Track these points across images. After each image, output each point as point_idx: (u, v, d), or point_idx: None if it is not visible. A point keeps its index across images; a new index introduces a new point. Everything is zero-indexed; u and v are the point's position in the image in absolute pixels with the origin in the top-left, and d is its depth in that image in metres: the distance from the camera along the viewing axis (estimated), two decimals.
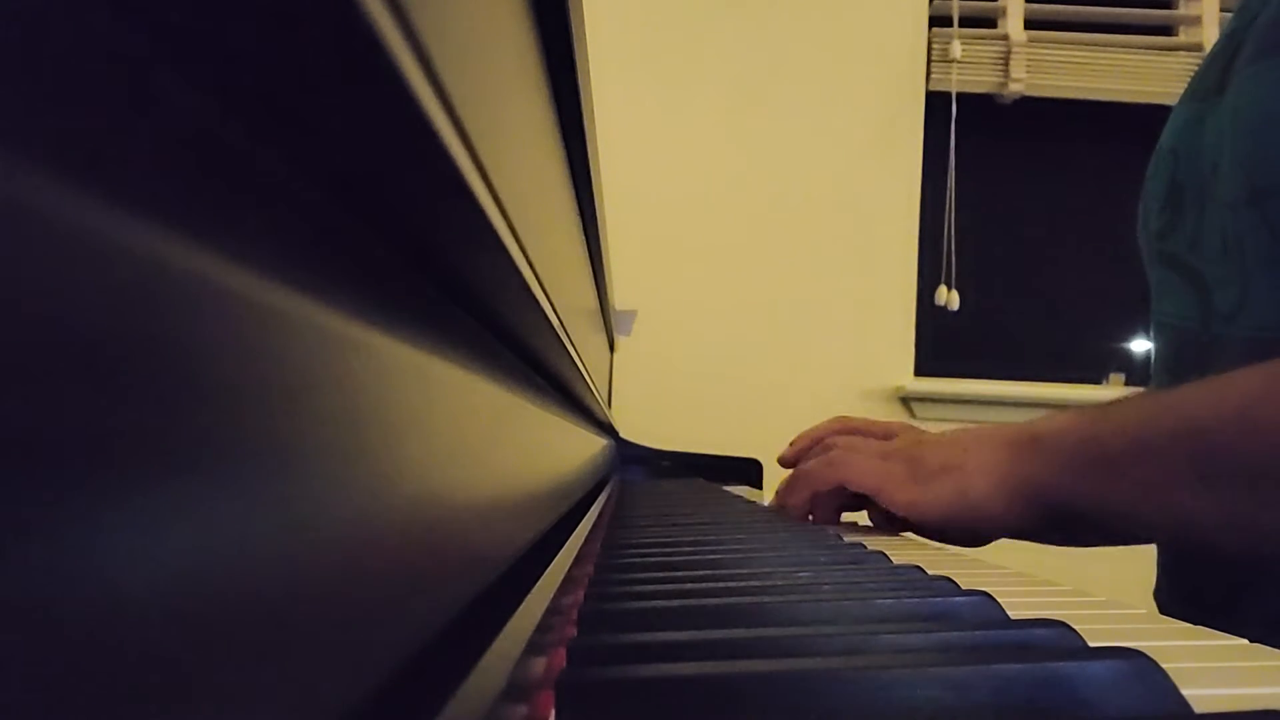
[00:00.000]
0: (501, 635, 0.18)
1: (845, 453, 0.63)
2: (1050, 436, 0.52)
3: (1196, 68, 0.67)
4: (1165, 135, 0.65)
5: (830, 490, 0.63)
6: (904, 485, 0.57)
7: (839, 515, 0.67)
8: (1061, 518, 0.52)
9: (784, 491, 0.70)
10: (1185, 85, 0.66)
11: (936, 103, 2.02)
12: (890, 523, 0.61)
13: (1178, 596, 0.60)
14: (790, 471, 0.78)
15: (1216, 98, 0.59)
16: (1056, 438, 0.52)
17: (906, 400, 1.95)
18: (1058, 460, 0.51)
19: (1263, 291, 0.53)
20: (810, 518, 0.67)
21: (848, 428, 0.74)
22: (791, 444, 0.75)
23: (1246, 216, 0.53)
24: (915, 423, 1.99)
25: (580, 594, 0.32)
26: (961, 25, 2.01)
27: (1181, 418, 0.46)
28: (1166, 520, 0.47)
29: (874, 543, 0.49)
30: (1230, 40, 0.60)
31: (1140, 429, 0.48)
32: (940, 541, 0.60)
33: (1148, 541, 0.61)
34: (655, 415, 1.63)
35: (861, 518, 0.74)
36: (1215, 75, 0.60)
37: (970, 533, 0.58)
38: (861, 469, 0.60)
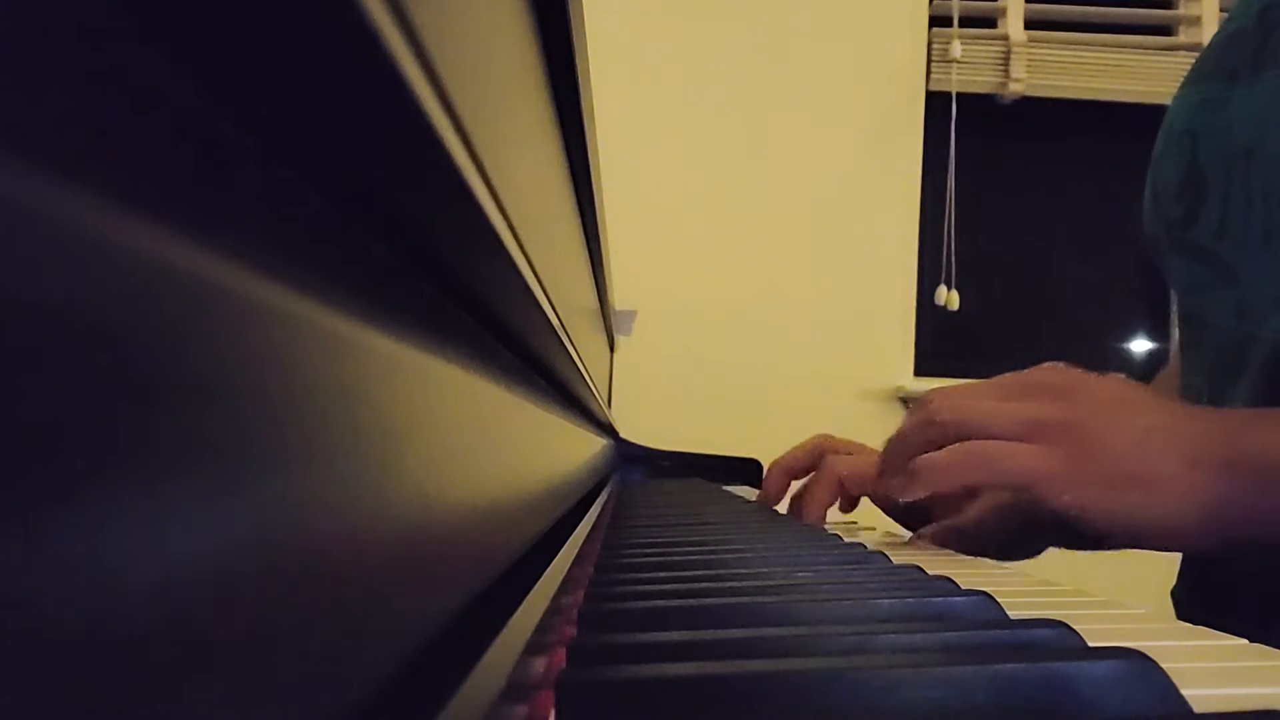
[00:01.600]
0: (501, 635, 0.18)
1: (991, 444, 0.47)
2: (1264, 456, 0.43)
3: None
4: (1177, 117, 0.60)
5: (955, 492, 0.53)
6: (1071, 484, 0.45)
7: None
8: (1244, 546, 0.44)
9: (898, 484, 0.51)
10: None
11: (936, 103, 2.02)
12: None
13: (1202, 600, 0.57)
14: (779, 466, 0.76)
15: (1250, 77, 0.54)
16: (1268, 458, 0.43)
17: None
18: (1272, 485, 0.43)
19: None
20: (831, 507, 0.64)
21: (831, 446, 0.71)
22: (768, 475, 0.72)
23: None
24: None
25: (580, 594, 0.32)
26: (961, 25, 2.01)
27: None
28: None
29: (874, 543, 0.49)
30: (1263, 16, 0.55)
31: None
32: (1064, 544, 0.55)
33: None
34: (655, 415, 1.63)
35: (861, 517, 0.73)
36: (1245, 54, 0.55)
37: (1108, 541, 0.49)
38: (1019, 462, 0.45)
